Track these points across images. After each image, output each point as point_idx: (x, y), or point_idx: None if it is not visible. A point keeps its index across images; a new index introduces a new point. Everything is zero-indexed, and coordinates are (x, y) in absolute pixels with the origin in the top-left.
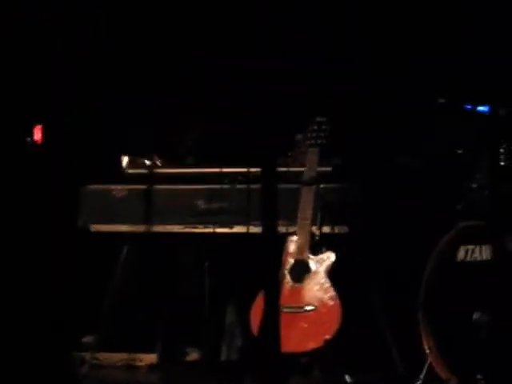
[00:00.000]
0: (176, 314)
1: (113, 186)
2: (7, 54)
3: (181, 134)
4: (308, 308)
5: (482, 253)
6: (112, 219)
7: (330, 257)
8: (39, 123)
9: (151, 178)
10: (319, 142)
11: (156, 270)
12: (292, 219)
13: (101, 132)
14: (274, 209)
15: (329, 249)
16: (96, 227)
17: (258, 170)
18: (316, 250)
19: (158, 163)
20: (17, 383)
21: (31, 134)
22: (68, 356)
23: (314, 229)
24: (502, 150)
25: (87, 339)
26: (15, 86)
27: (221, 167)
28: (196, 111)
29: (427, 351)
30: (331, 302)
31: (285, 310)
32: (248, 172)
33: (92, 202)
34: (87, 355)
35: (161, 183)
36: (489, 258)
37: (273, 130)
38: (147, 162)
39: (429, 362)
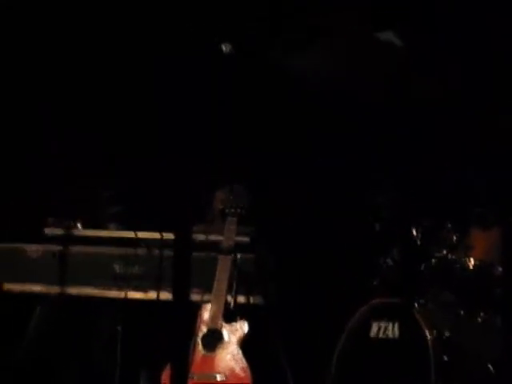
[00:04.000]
0: (88, 379)
1: (28, 246)
2: None
3: (106, 202)
4: (218, 377)
5: (395, 330)
6: (26, 279)
7: (243, 327)
8: None
9: (68, 239)
10: (238, 211)
11: (69, 332)
12: (207, 288)
13: (22, 192)
14: (186, 276)
15: (242, 319)
16: (8, 286)
17: (172, 235)
18: (230, 319)
19: (79, 226)
20: None
21: None
22: None
23: (229, 298)
24: (417, 228)
25: None
26: None
27: (136, 232)
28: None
29: None
30: (242, 374)
31: (195, 378)
32: (161, 237)
33: (5, 261)
34: None
35: (77, 245)
36: (400, 335)
37: (190, 197)
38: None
39: None
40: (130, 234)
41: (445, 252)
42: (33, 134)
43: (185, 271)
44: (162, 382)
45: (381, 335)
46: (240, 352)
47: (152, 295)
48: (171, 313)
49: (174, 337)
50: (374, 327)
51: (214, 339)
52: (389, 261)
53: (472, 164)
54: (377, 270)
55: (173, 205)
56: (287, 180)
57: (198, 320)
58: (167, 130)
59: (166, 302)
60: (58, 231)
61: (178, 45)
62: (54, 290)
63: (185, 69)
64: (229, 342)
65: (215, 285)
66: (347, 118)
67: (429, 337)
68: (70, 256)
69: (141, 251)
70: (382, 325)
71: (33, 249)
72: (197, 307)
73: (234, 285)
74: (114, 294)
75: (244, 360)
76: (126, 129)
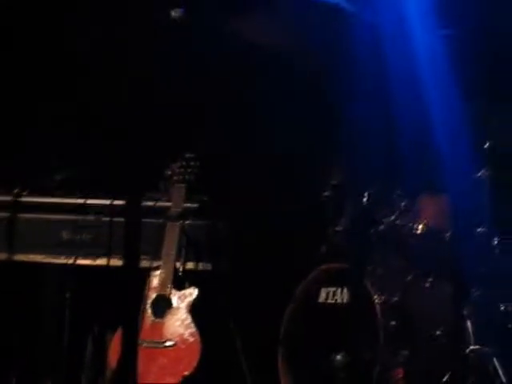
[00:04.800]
0: (34, 344)
1: None
2: None
3: (51, 170)
4: (168, 344)
5: (343, 295)
6: None
7: (192, 293)
8: None
9: (15, 205)
10: (187, 177)
11: (16, 300)
12: (156, 254)
13: None
14: (136, 243)
15: (192, 285)
16: None
17: (122, 202)
18: (179, 285)
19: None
20: None
21: None
22: None
23: (178, 264)
24: (365, 195)
25: None
26: None
27: (86, 198)
28: (70, 147)
29: None
30: (191, 339)
31: (144, 344)
32: (112, 204)
33: None
34: None
35: (25, 212)
36: (349, 300)
37: (140, 165)
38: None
39: None
40: (79, 201)
41: (393, 218)
42: None
43: (135, 238)
44: (112, 347)
45: (329, 300)
46: (189, 318)
47: (101, 262)
48: (121, 279)
49: (123, 303)
50: (323, 292)
51: (162, 305)
52: (338, 227)
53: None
54: (325, 237)
55: (122, 172)
56: (239, 149)
57: (147, 286)
58: (122, 98)
59: (115, 269)
60: (6, 198)
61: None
62: (2, 256)
63: (137, 37)
64: (178, 308)
65: (164, 251)
66: (296, 85)
67: (377, 302)
68: (18, 223)
69: (89, 218)
70: (331, 290)
71: None
72: (145, 274)
73: (183, 251)
74: (62, 260)
75: (193, 326)
76: (78, 93)
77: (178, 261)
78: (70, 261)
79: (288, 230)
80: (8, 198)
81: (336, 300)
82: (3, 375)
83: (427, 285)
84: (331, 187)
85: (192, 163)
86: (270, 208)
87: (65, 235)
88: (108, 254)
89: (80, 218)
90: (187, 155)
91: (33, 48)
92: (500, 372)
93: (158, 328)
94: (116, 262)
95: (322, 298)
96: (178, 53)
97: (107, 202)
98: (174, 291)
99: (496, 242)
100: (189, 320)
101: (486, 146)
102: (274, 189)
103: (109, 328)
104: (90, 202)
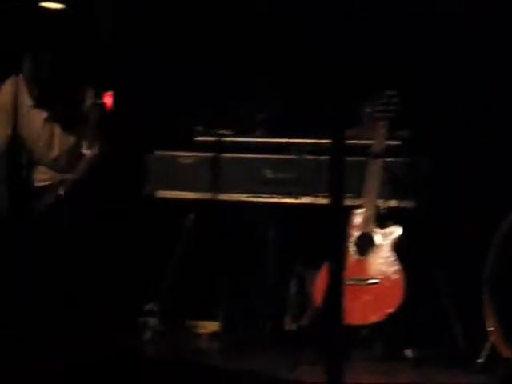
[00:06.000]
0: (240, 283)
1: (180, 153)
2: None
3: (254, 109)
4: (371, 281)
5: None
6: (178, 186)
7: (395, 231)
8: (110, 89)
9: (219, 146)
10: (388, 115)
11: (221, 238)
12: (359, 192)
13: (172, 100)
14: (341, 181)
15: (395, 223)
16: (162, 194)
17: (327, 141)
18: (382, 223)
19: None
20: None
21: (101, 99)
22: (131, 322)
23: (381, 202)
24: None
25: (150, 306)
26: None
27: (289, 138)
28: (271, 87)
29: (490, 329)
30: (395, 276)
31: (348, 282)
32: (316, 143)
33: (159, 169)
34: (150, 321)
35: (228, 152)
36: None
37: (343, 103)
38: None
39: (491, 339)
40: (282, 140)
41: None
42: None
43: (340, 176)
44: (316, 286)
45: None
46: (393, 256)
47: (303, 200)
48: (326, 217)
49: (328, 241)
50: None
51: (366, 243)
52: None
53: None
54: None
55: (326, 110)
56: (444, 83)
57: (350, 225)
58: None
59: (317, 207)
60: (210, 138)
61: None
62: (207, 196)
63: None
64: (381, 246)
65: (366, 189)
66: None
67: None
68: (222, 163)
69: (292, 156)
70: None
71: (185, 155)
72: (348, 212)
73: (386, 189)
74: (265, 199)
75: (397, 264)
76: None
77: (381, 198)
78: (273, 200)
79: (490, 166)
80: (212, 139)
81: None
82: (213, 310)
83: None
84: None
85: (393, 100)
86: (476, 143)
87: (268, 174)
88: (311, 193)
89: (283, 156)
90: (389, 92)
91: None
92: None
93: (361, 266)
94: (319, 200)
95: None
96: None
97: (310, 140)
98: (377, 229)
99: None
100: (392, 258)
101: None
102: (477, 123)
103: (311, 267)
104: (292, 140)
